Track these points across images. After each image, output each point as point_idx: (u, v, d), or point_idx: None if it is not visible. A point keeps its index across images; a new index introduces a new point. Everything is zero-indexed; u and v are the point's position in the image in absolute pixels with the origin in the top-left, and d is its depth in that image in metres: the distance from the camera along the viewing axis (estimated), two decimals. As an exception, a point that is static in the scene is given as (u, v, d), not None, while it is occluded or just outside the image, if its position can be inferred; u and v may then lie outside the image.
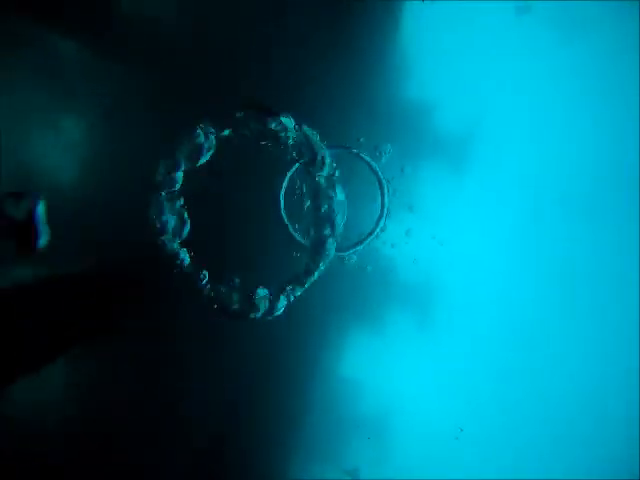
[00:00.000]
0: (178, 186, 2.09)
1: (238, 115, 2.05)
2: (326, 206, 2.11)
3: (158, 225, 2.10)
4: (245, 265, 2.28)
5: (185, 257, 2.13)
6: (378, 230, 2.35)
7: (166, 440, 2.29)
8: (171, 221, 2.11)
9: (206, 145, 2.07)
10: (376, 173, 2.35)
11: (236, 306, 2.16)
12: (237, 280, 2.21)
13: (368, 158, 2.35)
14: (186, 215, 2.11)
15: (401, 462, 2.47)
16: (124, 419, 2.23)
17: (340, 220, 2.13)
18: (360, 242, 2.34)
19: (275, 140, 2.09)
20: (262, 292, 2.16)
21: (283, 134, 2.08)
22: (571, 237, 2.48)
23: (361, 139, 2.35)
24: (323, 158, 2.08)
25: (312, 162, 2.08)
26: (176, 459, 2.30)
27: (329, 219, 2.13)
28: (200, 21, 2.33)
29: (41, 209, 1.87)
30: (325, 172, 2.09)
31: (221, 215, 2.32)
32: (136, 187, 2.20)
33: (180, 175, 2.08)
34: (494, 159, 2.45)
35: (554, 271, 2.50)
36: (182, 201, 2.11)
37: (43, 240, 1.88)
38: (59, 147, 2.19)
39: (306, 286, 2.16)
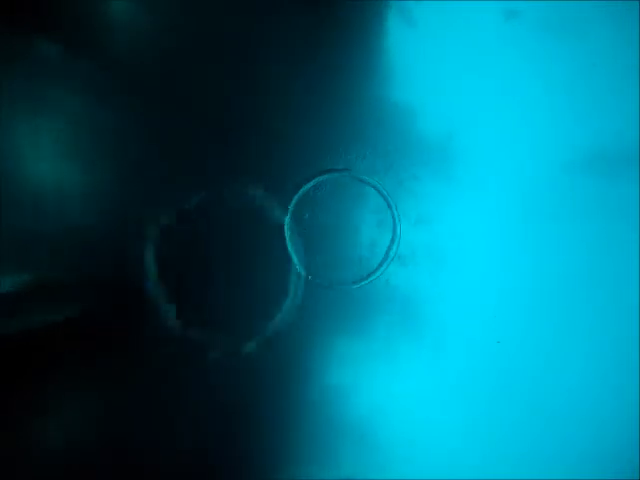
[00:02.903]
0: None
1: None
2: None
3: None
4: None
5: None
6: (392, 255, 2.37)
7: (159, 444, 2.31)
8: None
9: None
10: (385, 197, 2.34)
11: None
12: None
13: (370, 180, 2.34)
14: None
15: (397, 468, 2.50)
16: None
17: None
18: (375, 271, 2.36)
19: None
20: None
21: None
22: (570, 242, 2.47)
23: (360, 156, 2.32)
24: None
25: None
26: (168, 465, 2.32)
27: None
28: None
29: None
30: None
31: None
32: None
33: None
34: (483, 165, 2.43)
35: (554, 276, 2.49)
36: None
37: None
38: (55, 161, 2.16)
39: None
